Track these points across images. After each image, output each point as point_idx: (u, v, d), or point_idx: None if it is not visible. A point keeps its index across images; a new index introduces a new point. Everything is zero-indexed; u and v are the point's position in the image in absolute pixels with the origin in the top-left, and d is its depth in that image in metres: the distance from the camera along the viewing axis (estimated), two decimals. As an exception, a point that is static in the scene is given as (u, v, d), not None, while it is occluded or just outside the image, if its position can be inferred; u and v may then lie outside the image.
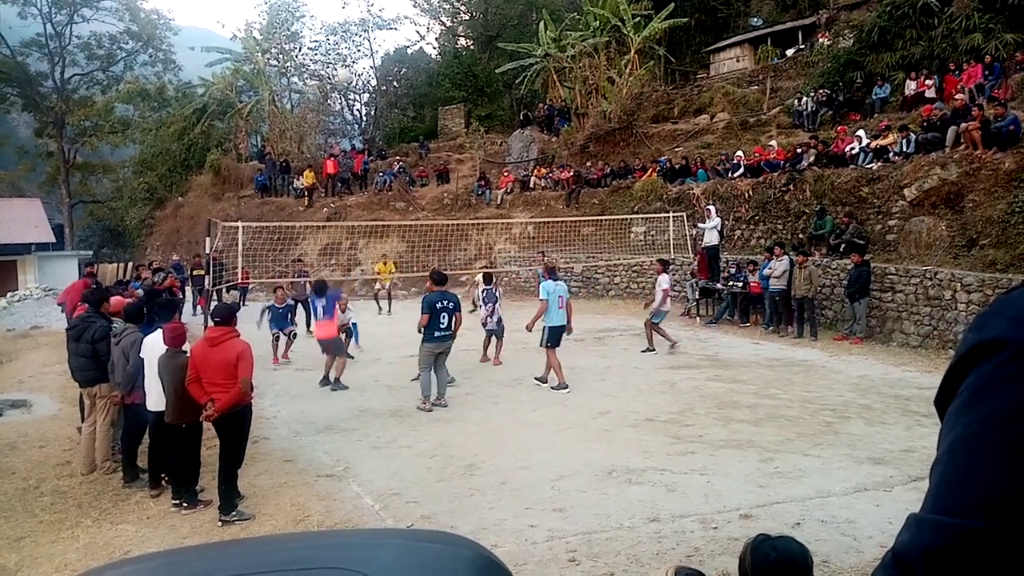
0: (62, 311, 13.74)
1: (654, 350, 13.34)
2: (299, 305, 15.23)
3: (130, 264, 28.81)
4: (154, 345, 7.03)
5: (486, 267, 23.66)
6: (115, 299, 8.71)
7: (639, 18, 27.31)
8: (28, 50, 44.46)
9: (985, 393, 0.59)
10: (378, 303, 20.26)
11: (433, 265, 16.99)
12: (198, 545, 4.64)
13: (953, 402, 0.64)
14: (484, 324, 12.84)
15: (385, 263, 20.89)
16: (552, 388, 10.59)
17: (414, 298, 22.22)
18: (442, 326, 9.83)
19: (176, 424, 6.66)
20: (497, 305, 12.79)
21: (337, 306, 11.85)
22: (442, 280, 10.25)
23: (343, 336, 12.35)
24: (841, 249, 15.19)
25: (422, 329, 9.83)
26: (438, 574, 0.80)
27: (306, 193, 28.99)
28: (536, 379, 10.95)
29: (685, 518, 5.84)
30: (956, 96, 16.19)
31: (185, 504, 6.71)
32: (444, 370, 10.14)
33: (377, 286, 20.79)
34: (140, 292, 11.63)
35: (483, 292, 13.09)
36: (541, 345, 10.86)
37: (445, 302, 9.87)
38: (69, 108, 43.94)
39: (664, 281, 13.26)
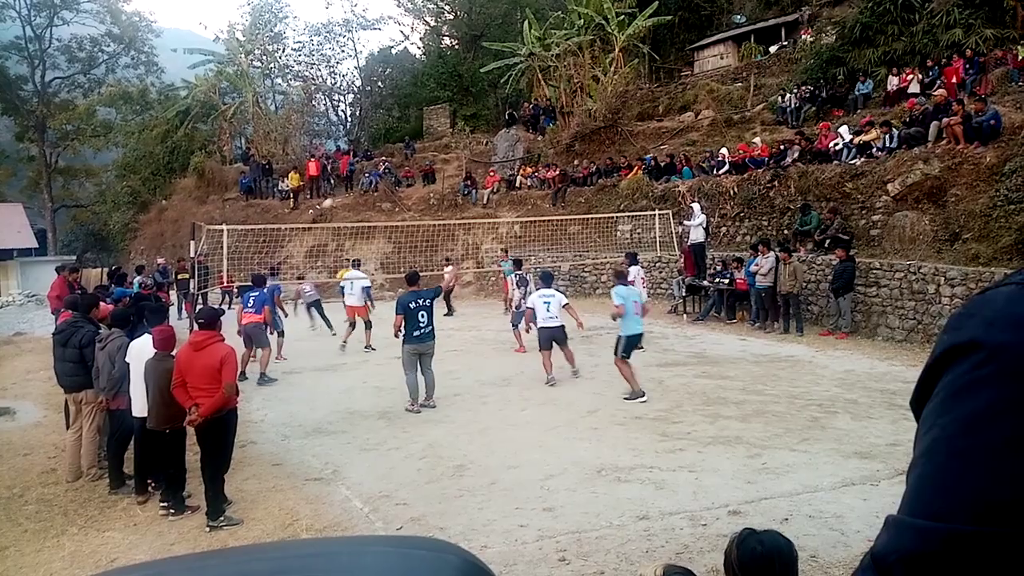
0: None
1: (642, 348, 13.31)
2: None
3: (115, 269, 28.55)
4: (140, 350, 6.98)
5: (475, 266, 23.68)
6: (106, 306, 8.67)
7: (623, 16, 27.38)
8: (7, 53, 43.99)
9: (962, 394, 0.59)
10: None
11: (420, 266, 17.19)
12: (177, 556, 4.61)
13: (929, 403, 0.64)
14: (518, 307, 13.48)
15: (348, 268, 20.51)
16: (626, 398, 9.67)
17: (401, 299, 22.18)
18: (421, 325, 9.68)
19: (159, 430, 6.60)
20: (528, 288, 13.67)
21: (267, 307, 12.34)
22: (415, 279, 10.27)
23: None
24: (826, 245, 15.28)
25: (399, 332, 9.75)
26: None
27: (291, 195, 28.87)
28: (625, 397, 9.72)
29: (674, 515, 5.85)
30: (936, 92, 16.31)
31: (173, 511, 6.66)
32: (431, 371, 10.01)
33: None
34: (127, 298, 11.52)
35: (516, 277, 13.98)
36: (616, 354, 9.87)
37: (420, 300, 9.76)
38: (50, 111, 43.55)
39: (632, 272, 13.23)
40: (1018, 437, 0.54)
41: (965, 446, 0.57)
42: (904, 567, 0.58)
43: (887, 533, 0.62)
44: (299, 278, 16.26)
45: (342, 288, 16.02)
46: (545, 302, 11.09)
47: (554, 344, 11.08)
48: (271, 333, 12.71)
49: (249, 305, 12.30)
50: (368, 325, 14.90)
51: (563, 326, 11.16)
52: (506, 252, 20.12)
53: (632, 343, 9.83)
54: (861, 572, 0.63)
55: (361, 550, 0.86)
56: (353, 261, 17.41)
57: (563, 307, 11.17)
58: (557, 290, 11.71)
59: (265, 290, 12.53)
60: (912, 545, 0.58)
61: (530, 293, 13.37)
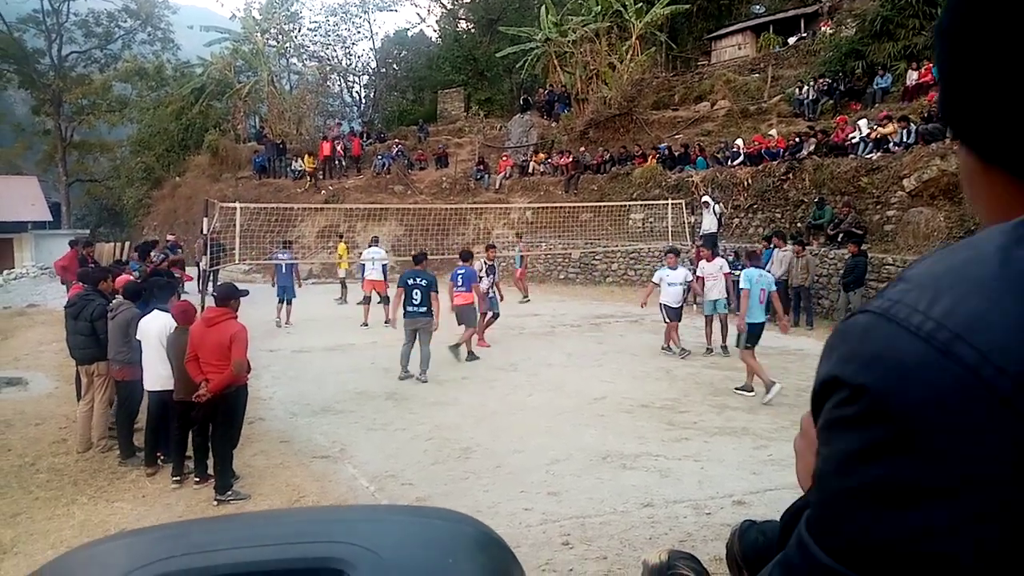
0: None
1: (712, 349, 12.48)
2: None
3: (127, 244, 28.75)
4: (148, 327, 7.05)
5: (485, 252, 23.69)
6: (123, 277, 8.73)
7: (641, 3, 27.17)
8: (25, 26, 44.06)
9: (832, 431, 0.58)
10: (344, 286, 19.11)
11: (431, 249, 17.36)
12: (199, 519, 4.68)
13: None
14: (487, 294, 12.90)
15: (347, 244, 20.47)
16: (736, 388, 9.40)
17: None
18: (415, 302, 10.15)
19: (187, 400, 6.64)
20: (495, 277, 13.45)
21: (475, 284, 12.01)
22: (418, 259, 10.76)
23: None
24: (839, 239, 15.20)
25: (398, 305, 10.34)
26: (441, 549, 0.81)
27: (309, 177, 28.79)
28: (737, 389, 9.42)
29: (678, 504, 5.87)
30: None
31: (198, 479, 6.78)
32: (426, 347, 10.29)
33: (341, 273, 19.42)
34: (136, 273, 11.60)
35: (484, 265, 13.52)
36: (737, 346, 9.58)
37: (417, 279, 10.24)
38: (66, 86, 43.63)
39: (705, 268, 12.59)
40: (882, 485, 0.53)
41: (839, 487, 0.57)
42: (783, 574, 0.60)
43: (792, 540, 0.62)
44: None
45: (363, 265, 16.60)
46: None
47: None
48: (484, 310, 12.59)
49: (459, 284, 11.78)
50: (386, 300, 15.40)
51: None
52: (520, 237, 20.00)
53: (754, 332, 9.16)
54: (773, 568, 0.64)
55: (380, 517, 0.87)
56: (372, 238, 18.04)
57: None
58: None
59: (471, 266, 12.10)
60: (804, 567, 0.59)
61: (492, 283, 13.40)
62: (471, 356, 11.75)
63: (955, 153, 14.20)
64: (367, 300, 15.41)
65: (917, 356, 0.53)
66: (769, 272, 14.68)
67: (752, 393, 9.23)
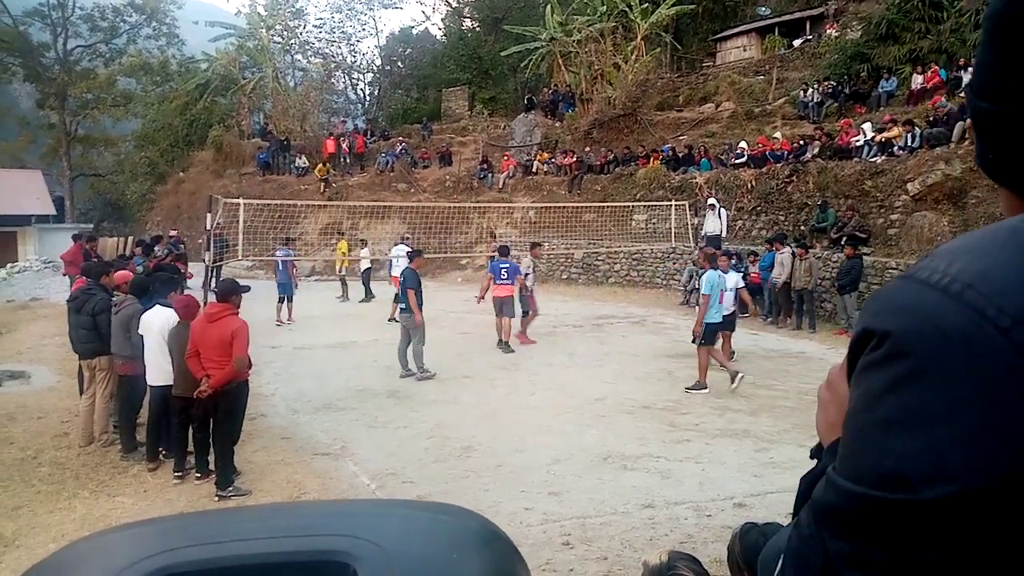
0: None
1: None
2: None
3: (130, 239, 28.75)
4: (151, 322, 7.05)
5: (492, 250, 23.69)
6: (121, 273, 8.74)
7: (646, 4, 27.14)
8: (30, 20, 44.06)
9: (862, 374, 0.68)
10: (345, 284, 19.29)
11: (434, 247, 17.41)
12: (202, 511, 4.68)
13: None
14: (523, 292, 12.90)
15: (348, 242, 20.56)
16: (687, 388, 9.59)
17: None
18: (399, 298, 10.75)
19: (188, 396, 6.64)
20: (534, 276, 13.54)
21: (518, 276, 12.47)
22: (410, 256, 11.32)
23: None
24: (843, 242, 15.17)
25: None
26: (446, 544, 0.81)
27: (321, 181, 28.49)
28: (687, 387, 9.63)
29: (679, 505, 5.87)
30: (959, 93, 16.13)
31: (199, 474, 6.79)
32: (416, 346, 10.48)
33: (341, 271, 19.68)
34: (139, 268, 11.61)
35: (534, 264, 13.75)
36: (694, 342, 9.75)
37: (402, 278, 10.80)
38: (71, 80, 43.64)
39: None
40: (900, 411, 0.62)
41: (864, 421, 0.66)
42: (826, 518, 0.68)
43: (822, 484, 0.71)
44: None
45: (391, 261, 16.91)
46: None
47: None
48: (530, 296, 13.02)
49: (503, 277, 12.12)
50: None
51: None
52: (494, 236, 19.88)
53: (712, 331, 9.66)
54: (804, 511, 0.72)
55: (386, 511, 0.87)
56: (402, 237, 18.33)
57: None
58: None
59: (515, 261, 12.50)
60: (833, 499, 0.67)
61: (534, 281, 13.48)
62: (507, 347, 12.10)
63: (959, 157, 14.21)
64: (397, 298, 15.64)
65: (934, 302, 0.63)
66: (771, 275, 14.80)
67: (706, 390, 9.42)
